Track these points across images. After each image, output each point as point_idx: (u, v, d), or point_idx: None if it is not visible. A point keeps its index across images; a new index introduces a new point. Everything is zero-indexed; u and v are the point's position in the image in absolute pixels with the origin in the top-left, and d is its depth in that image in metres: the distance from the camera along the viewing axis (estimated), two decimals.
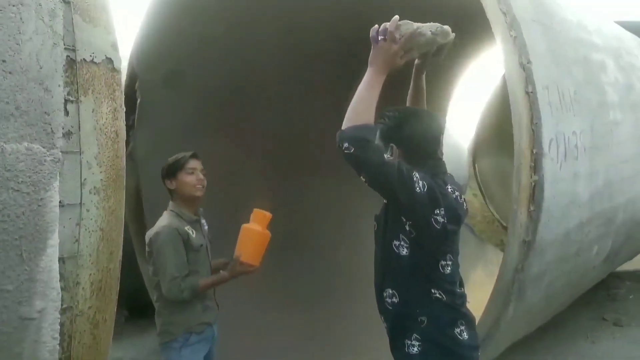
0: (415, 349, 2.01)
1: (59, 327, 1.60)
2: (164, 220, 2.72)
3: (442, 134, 2.15)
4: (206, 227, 2.92)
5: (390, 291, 2.09)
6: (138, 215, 4.06)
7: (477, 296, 6.10)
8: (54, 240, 1.55)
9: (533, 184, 2.89)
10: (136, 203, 4.06)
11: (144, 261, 3.74)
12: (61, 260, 1.60)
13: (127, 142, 4.30)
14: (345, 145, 1.84)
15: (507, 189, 8.09)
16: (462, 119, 8.92)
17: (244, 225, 2.78)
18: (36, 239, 1.51)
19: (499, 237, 8.34)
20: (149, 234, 2.72)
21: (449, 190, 2.06)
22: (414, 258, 2.03)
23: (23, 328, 1.52)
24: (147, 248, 2.73)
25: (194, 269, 2.70)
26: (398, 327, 2.09)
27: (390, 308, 2.09)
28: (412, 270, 2.04)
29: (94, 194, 1.69)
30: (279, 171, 5.18)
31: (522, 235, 2.89)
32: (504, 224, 8.08)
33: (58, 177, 1.58)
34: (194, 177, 2.74)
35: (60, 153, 1.59)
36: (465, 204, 2.15)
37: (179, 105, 4.43)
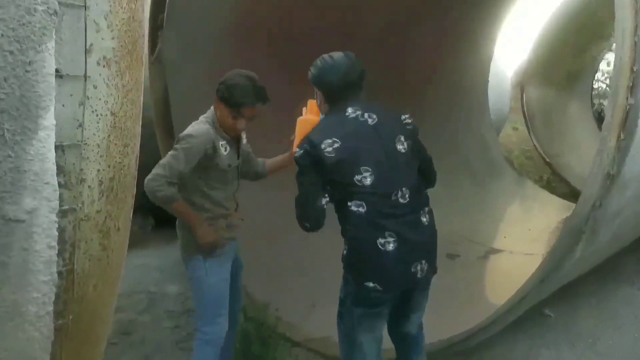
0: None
1: (57, 233, 1.24)
2: (202, 127, 2.53)
3: (362, 79, 2.25)
4: (245, 141, 2.76)
5: None
6: (166, 120, 3.82)
7: (513, 232, 5.72)
8: (48, 121, 1.15)
9: (628, 107, 2.42)
10: (164, 107, 3.76)
11: None
12: (59, 148, 1.21)
13: (155, 43, 3.91)
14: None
15: (553, 123, 7.67)
16: (509, 49, 8.33)
17: (299, 118, 2.67)
18: (23, 114, 1.11)
19: (539, 173, 7.96)
20: (182, 133, 2.54)
21: (352, 116, 2.19)
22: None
23: (8, 232, 1.15)
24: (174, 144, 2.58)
25: (219, 186, 2.60)
26: None
27: None
28: None
29: (104, 66, 1.28)
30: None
31: (608, 167, 2.45)
32: (547, 159, 7.66)
33: (54, 36, 1.16)
34: (248, 123, 2.60)
35: (57, 3, 1.17)
36: (372, 120, 2.19)
37: (211, 7, 3.95)
